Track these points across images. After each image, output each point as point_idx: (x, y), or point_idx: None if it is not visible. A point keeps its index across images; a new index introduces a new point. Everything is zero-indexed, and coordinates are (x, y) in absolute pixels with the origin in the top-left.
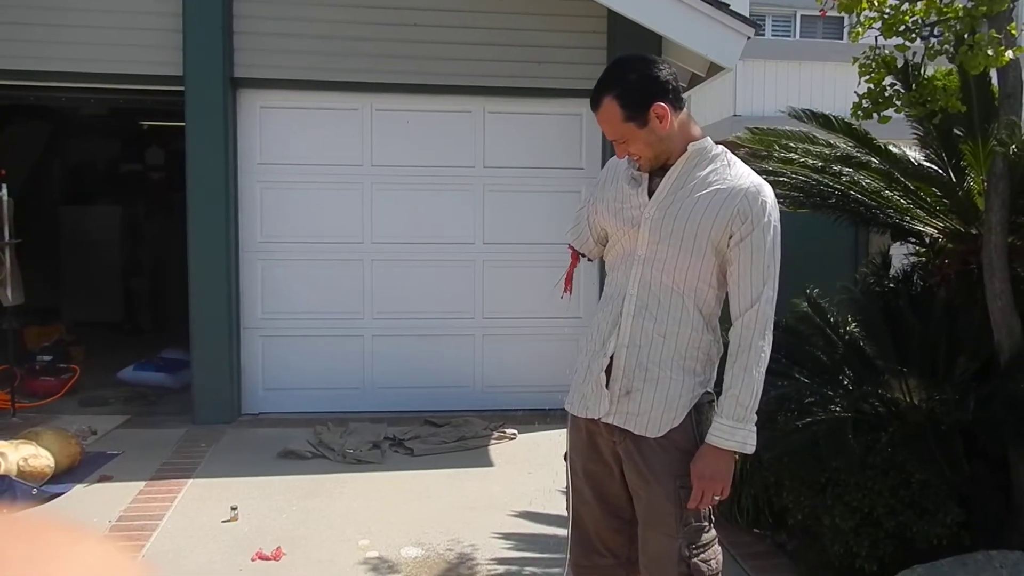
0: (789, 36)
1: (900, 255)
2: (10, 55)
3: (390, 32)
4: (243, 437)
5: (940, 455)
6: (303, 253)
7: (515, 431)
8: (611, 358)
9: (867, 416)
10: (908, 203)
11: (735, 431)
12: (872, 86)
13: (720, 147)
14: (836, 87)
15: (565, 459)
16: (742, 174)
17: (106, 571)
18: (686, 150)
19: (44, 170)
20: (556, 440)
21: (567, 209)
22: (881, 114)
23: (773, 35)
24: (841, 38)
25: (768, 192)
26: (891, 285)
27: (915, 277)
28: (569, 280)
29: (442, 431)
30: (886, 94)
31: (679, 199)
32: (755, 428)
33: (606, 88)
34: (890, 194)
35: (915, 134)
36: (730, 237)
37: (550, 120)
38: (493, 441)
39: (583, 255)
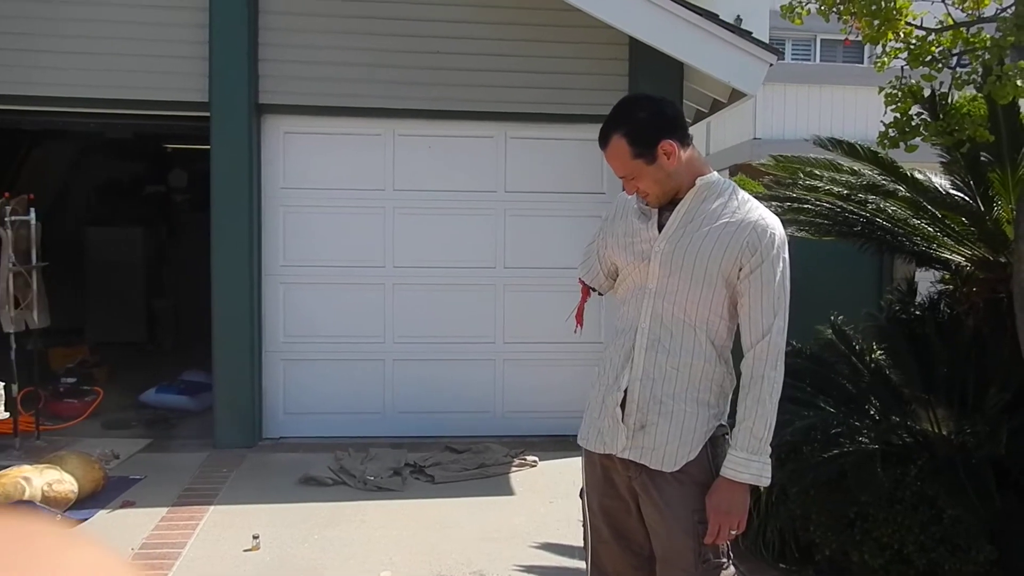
0: (809, 60)
1: (926, 282)
2: (37, 82)
3: (412, 59)
4: (264, 462)
5: (971, 489)
6: (325, 277)
7: (536, 458)
8: (625, 392)
9: (895, 448)
10: (935, 231)
11: (750, 463)
12: (899, 115)
13: (729, 181)
14: (856, 110)
15: (581, 496)
16: (751, 208)
17: (96, 572)
18: (695, 184)
19: (69, 191)
20: (577, 468)
21: (588, 234)
22: (908, 143)
23: (793, 59)
24: (861, 62)
25: (777, 225)
26: (917, 312)
27: (942, 305)
28: (580, 315)
29: (463, 458)
30: (913, 123)
31: (689, 232)
32: (770, 460)
33: (615, 126)
34: (917, 222)
35: (941, 161)
36: (740, 269)
37: (571, 145)
38: (514, 469)
39: (593, 289)
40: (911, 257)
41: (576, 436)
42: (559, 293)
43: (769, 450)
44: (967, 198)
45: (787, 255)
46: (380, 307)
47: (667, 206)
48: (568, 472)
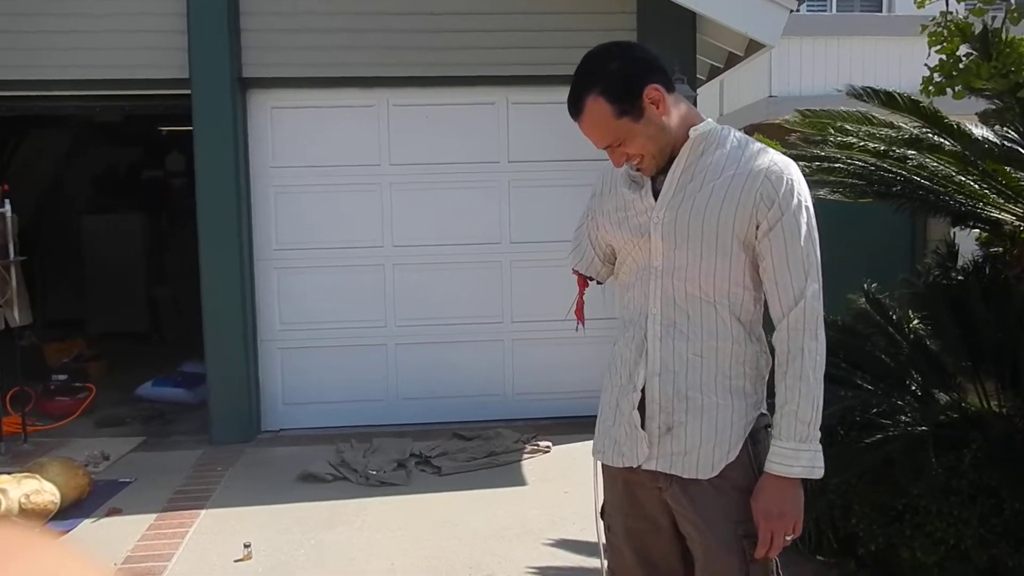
0: (825, 11)
1: (965, 244)
2: (8, 65)
3: (404, 22)
4: (261, 458)
5: None
6: (321, 260)
7: (549, 443)
8: (642, 391)
9: (944, 428)
10: (983, 187)
11: (799, 454)
12: (944, 57)
13: (727, 127)
14: (877, 63)
15: (601, 517)
16: (759, 153)
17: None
18: (688, 137)
19: (64, 180)
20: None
21: None
22: (957, 89)
23: (808, 11)
24: (880, 10)
25: (793, 170)
26: (959, 277)
27: (987, 268)
28: (580, 310)
29: (471, 445)
30: (961, 65)
31: (690, 194)
32: (820, 447)
33: (586, 86)
34: (962, 179)
35: (990, 109)
36: (757, 227)
37: None
38: (526, 456)
39: (591, 279)
40: (953, 217)
41: (591, 416)
42: (569, 268)
43: (819, 435)
44: (1022, 149)
45: (810, 203)
46: (380, 289)
47: (660, 170)
48: (583, 457)
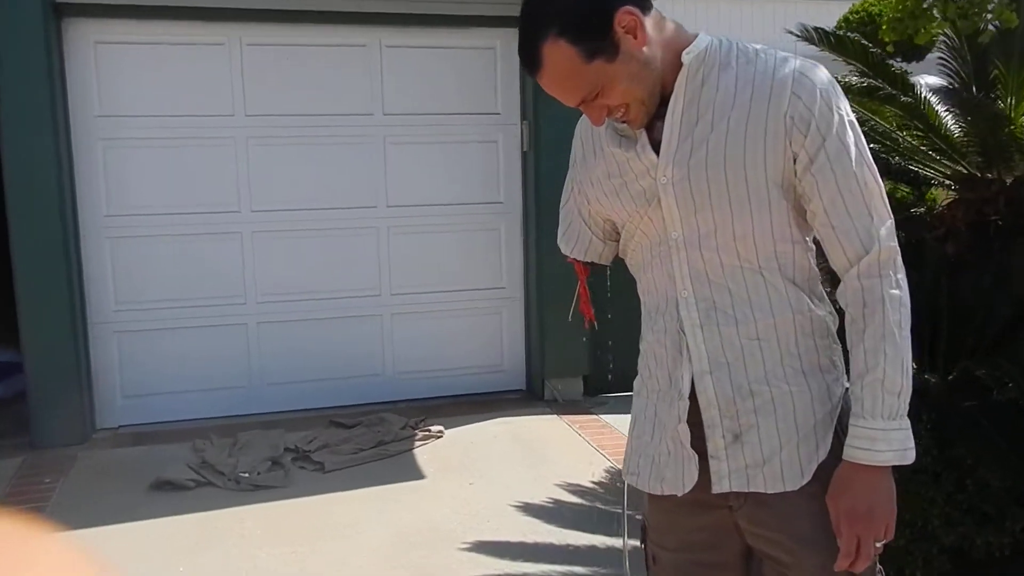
0: None
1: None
2: None
3: None
4: (101, 463)
5: (994, 445)
6: (164, 227)
7: (441, 427)
8: (690, 396)
9: None
10: (922, 145)
11: (889, 434)
12: None
13: (727, 40)
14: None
15: (642, 542)
16: (772, 62)
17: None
18: (681, 65)
19: None
20: (491, 433)
21: (489, 162)
22: (920, 31)
23: None
24: None
25: (822, 75)
26: None
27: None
28: (586, 303)
29: (354, 434)
30: (925, 5)
31: (700, 140)
32: (910, 422)
33: (539, 29)
34: (902, 135)
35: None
36: (794, 161)
37: (461, 56)
38: (418, 443)
39: (592, 264)
40: (895, 178)
41: (483, 394)
42: (454, 234)
43: (907, 408)
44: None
45: (853, 115)
46: (237, 261)
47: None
48: (481, 441)
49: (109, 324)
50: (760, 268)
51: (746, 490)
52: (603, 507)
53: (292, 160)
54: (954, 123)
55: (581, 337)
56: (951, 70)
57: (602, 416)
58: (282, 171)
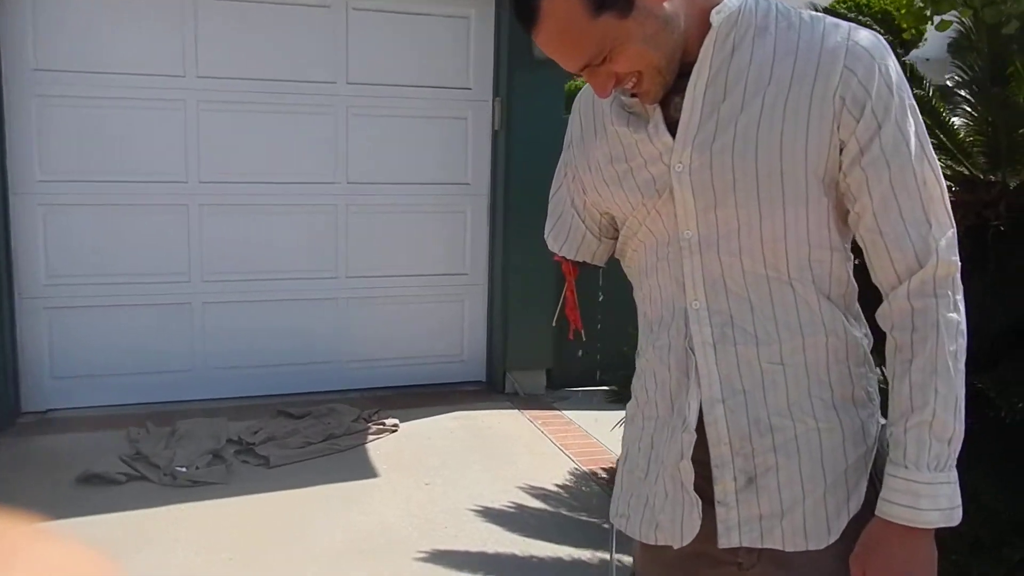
0: None
1: None
2: None
3: None
4: (23, 452)
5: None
6: (104, 196)
7: (396, 420)
8: (696, 430)
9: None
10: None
11: (936, 488)
12: None
13: (764, 0)
14: None
15: None
16: (821, 28)
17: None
18: (710, 27)
19: None
20: (448, 429)
21: (454, 140)
22: (942, 18)
23: None
24: None
25: (880, 45)
26: None
27: None
28: (573, 309)
29: (302, 425)
30: None
31: (727, 119)
32: (957, 474)
33: None
34: None
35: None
36: (841, 150)
37: (434, 24)
38: (371, 437)
39: (582, 264)
40: None
41: (439, 385)
42: (417, 215)
43: (956, 458)
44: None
45: (912, 96)
46: (183, 235)
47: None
48: (438, 437)
49: (39, 299)
50: (790, 279)
51: (759, 546)
52: (567, 513)
53: (246, 128)
54: (960, 121)
55: (546, 328)
56: (964, 63)
57: (565, 412)
58: (235, 140)
